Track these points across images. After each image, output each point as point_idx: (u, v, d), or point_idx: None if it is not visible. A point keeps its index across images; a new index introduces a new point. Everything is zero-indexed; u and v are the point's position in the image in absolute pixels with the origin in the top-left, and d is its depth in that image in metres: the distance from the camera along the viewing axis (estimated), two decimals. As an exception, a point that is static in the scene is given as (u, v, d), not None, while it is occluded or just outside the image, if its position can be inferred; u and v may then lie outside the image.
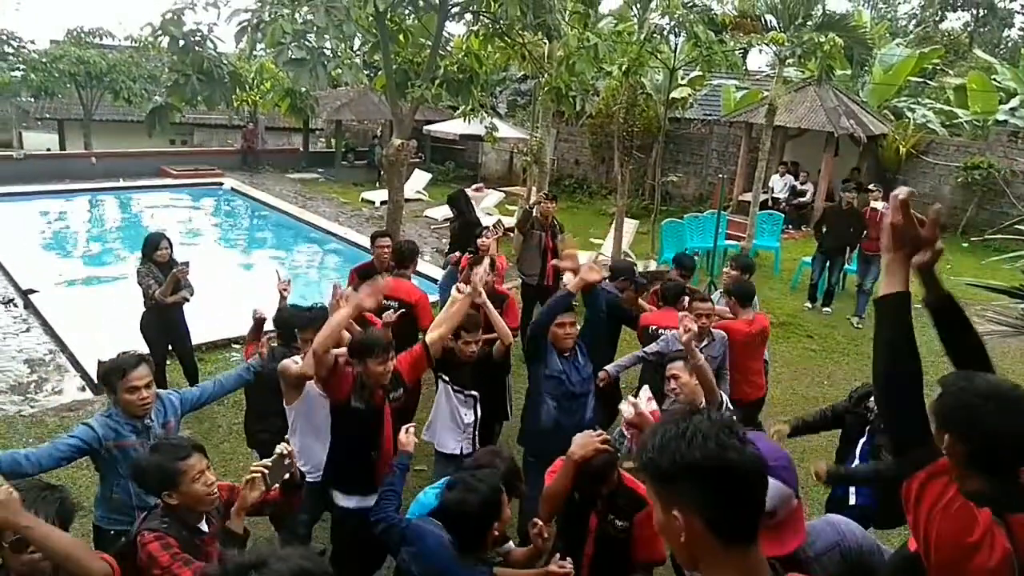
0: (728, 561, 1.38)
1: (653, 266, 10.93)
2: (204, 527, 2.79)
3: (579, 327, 4.53)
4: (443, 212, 15.17)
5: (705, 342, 4.95)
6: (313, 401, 3.99)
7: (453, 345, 4.37)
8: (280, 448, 2.91)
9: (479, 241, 6.65)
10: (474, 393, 4.51)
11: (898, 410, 1.78)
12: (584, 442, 3.06)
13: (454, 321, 4.25)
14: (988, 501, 1.76)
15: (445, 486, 2.81)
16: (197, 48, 6.38)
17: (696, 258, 11.20)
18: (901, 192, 1.75)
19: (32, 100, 20.80)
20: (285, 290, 5.28)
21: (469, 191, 14.69)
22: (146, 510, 3.28)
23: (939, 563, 1.73)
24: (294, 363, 3.93)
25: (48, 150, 21.43)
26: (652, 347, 5.17)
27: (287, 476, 2.88)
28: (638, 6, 12.10)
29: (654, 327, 5.40)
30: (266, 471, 2.80)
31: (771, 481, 2.04)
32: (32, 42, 19.47)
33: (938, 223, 1.79)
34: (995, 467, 1.83)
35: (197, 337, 6.96)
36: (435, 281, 8.62)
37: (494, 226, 6.92)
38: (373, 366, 3.69)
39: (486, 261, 5.03)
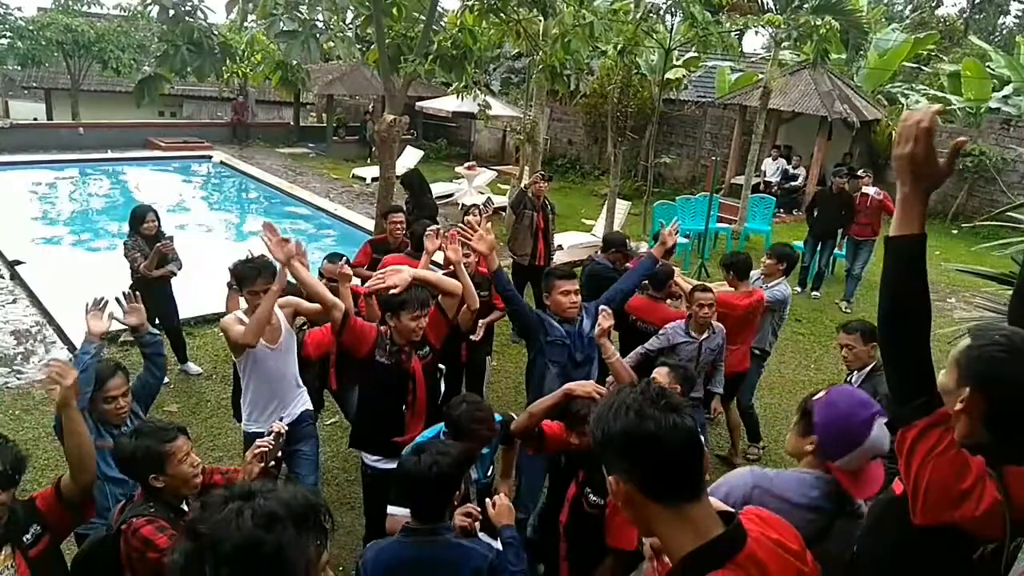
0: (668, 519, 1.46)
1: (644, 247, 10.92)
2: (185, 508, 2.79)
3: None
4: (435, 190, 15.02)
5: (705, 335, 4.96)
6: (260, 353, 3.99)
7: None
8: (276, 426, 2.99)
9: (467, 219, 6.64)
10: (440, 366, 4.45)
11: (904, 357, 1.73)
12: (585, 383, 3.18)
13: (448, 285, 4.07)
14: (986, 451, 1.74)
15: (412, 449, 2.74)
16: (187, 18, 6.30)
17: (687, 240, 11.25)
18: (925, 117, 1.65)
19: (19, 69, 20.50)
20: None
21: (461, 169, 14.64)
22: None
23: (927, 508, 1.72)
24: (238, 323, 3.89)
25: (35, 120, 21.15)
26: (654, 343, 5.09)
27: (280, 453, 2.97)
28: (634, -15, 11.98)
29: (634, 317, 5.41)
30: (270, 448, 2.87)
31: (879, 427, 2.18)
32: (19, 9, 19.23)
33: (958, 154, 1.69)
34: (1012, 423, 1.78)
35: (185, 311, 6.93)
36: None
37: (484, 204, 6.90)
38: (406, 320, 3.70)
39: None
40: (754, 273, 5.89)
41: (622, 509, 1.51)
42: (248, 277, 3.95)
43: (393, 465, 3.59)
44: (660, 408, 1.43)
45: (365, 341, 3.80)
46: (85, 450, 2.70)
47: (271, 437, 2.94)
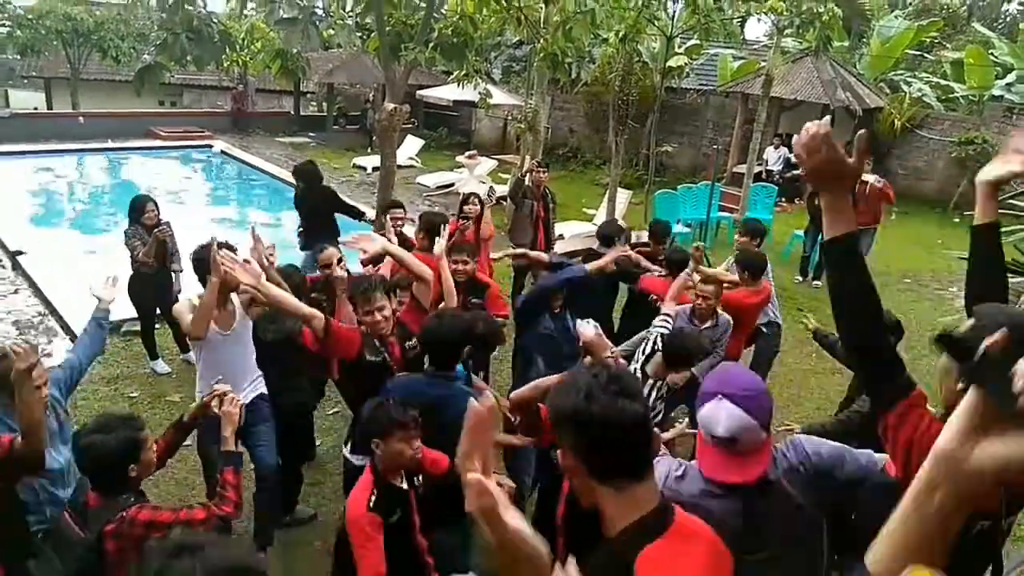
0: (608, 495, 1.53)
1: (645, 237, 10.89)
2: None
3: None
4: (435, 179, 15.07)
5: (708, 324, 4.97)
6: (211, 338, 3.97)
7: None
8: (220, 387, 3.13)
9: (465, 208, 6.63)
10: None
11: (869, 352, 1.80)
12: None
13: (417, 267, 4.18)
14: None
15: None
16: (187, 6, 6.27)
17: (688, 229, 11.23)
18: (820, 126, 1.67)
19: (18, 58, 20.41)
20: (271, 255, 5.17)
21: (462, 158, 14.60)
22: (56, 504, 3.15)
23: None
24: (189, 311, 3.93)
25: (35, 109, 21.10)
26: (662, 327, 5.12)
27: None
28: (636, -28, 11.89)
29: (655, 296, 5.45)
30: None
31: (732, 409, 2.11)
32: (18, -2, 19.09)
33: (867, 147, 1.71)
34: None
35: (187, 301, 6.92)
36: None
37: (488, 194, 6.89)
38: (363, 313, 3.71)
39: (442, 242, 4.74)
40: (730, 258, 5.94)
41: (570, 480, 1.61)
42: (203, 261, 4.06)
43: None
44: (609, 393, 1.49)
45: (352, 344, 3.69)
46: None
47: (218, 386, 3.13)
